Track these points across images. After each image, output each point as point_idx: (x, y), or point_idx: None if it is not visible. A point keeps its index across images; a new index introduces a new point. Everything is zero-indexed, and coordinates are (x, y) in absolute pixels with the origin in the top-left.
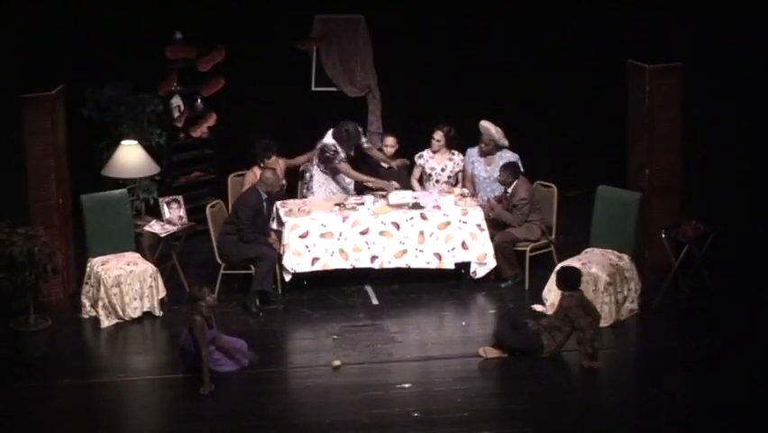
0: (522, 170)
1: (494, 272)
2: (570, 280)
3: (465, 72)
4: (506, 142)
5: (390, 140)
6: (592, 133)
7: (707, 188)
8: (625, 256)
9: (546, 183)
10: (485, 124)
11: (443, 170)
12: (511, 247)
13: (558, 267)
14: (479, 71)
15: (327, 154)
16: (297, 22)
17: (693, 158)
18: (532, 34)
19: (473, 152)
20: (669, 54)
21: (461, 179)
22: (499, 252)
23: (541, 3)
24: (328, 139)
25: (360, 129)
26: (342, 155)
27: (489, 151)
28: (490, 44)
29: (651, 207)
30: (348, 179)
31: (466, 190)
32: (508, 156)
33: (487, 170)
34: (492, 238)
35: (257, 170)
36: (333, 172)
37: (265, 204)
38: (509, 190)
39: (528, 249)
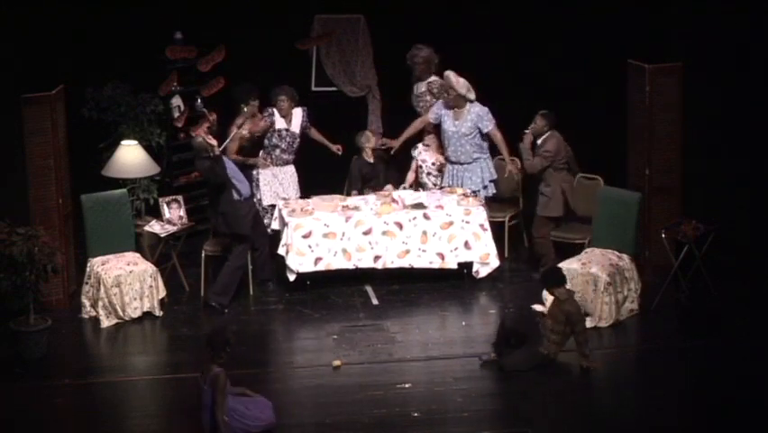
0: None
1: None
2: (556, 278)
3: (465, 72)
4: (472, 96)
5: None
6: (592, 133)
7: (707, 188)
8: (625, 256)
9: (591, 176)
10: (446, 72)
11: (433, 163)
12: (547, 241)
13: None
14: (478, 71)
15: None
16: (297, 22)
17: (693, 158)
18: (532, 34)
19: (442, 104)
20: (669, 54)
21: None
22: (536, 248)
23: (541, 3)
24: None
25: (250, 85)
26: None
27: (455, 102)
28: (489, 44)
29: (651, 207)
30: (288, 182)
31: (468, 190)
32: (477, 110)
33: (455, 124)
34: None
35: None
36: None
37: (220, 166)
38: (539, 141)
39: (587, 241)
